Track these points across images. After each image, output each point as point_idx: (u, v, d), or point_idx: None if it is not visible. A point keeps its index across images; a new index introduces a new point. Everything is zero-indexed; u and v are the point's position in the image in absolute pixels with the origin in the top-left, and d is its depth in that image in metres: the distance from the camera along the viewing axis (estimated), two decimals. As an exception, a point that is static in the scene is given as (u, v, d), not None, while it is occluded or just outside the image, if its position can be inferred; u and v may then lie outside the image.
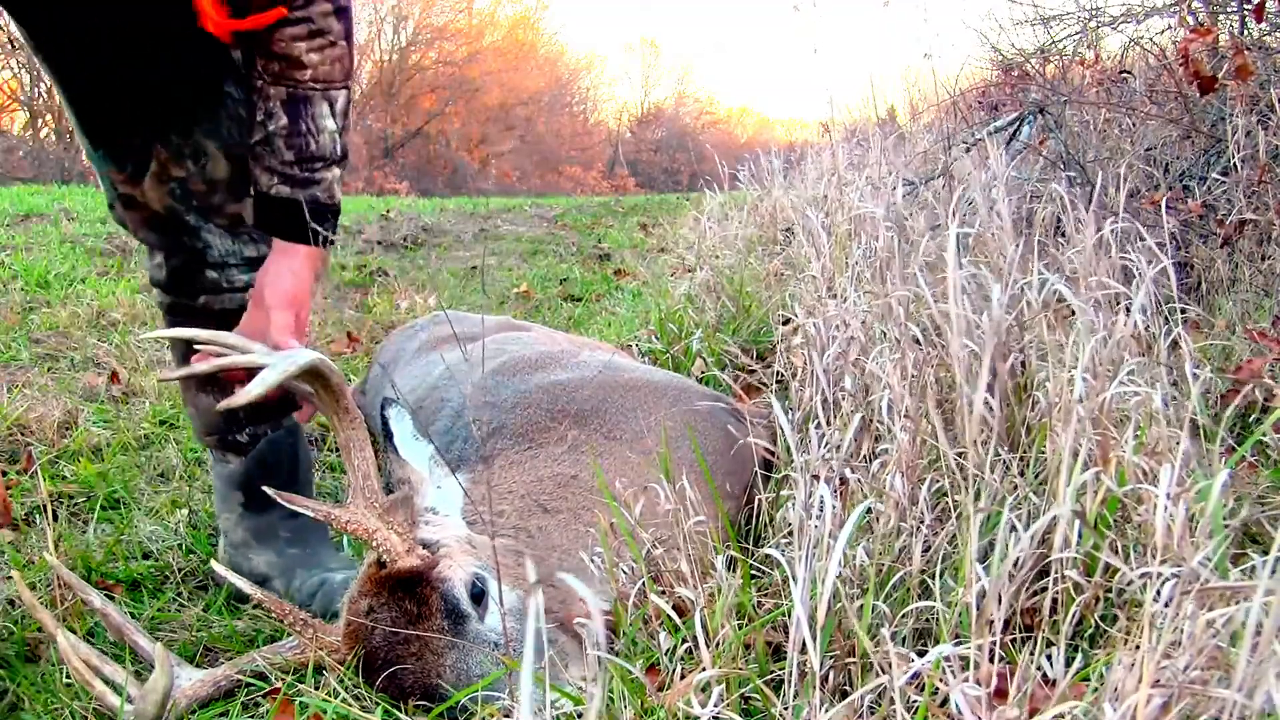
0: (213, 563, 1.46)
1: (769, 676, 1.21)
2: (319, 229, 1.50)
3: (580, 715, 1.18)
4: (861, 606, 1.18)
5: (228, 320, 1.59)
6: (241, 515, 1.76)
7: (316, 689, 1.34)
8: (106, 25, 1.44)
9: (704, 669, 1.14)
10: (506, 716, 1.20)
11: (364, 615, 1.33)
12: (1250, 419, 1.78)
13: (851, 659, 1.17)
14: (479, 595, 1.32)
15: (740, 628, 1.24)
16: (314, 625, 1.37)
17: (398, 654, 1.29)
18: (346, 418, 1.45)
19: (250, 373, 1.35)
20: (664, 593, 1.37)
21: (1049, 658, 1.12)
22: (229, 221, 1.63)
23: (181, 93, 1.55)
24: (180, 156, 1.57)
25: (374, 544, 1.35)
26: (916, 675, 1.07)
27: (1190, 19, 3.07)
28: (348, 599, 1.38)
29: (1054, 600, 1.21)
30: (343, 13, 1.46)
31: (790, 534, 1.41)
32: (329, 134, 1.50)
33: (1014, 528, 1.18)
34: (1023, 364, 1.51)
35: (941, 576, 1.26)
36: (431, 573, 1.33)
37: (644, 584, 1.38)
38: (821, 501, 1.21)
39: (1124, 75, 3.67)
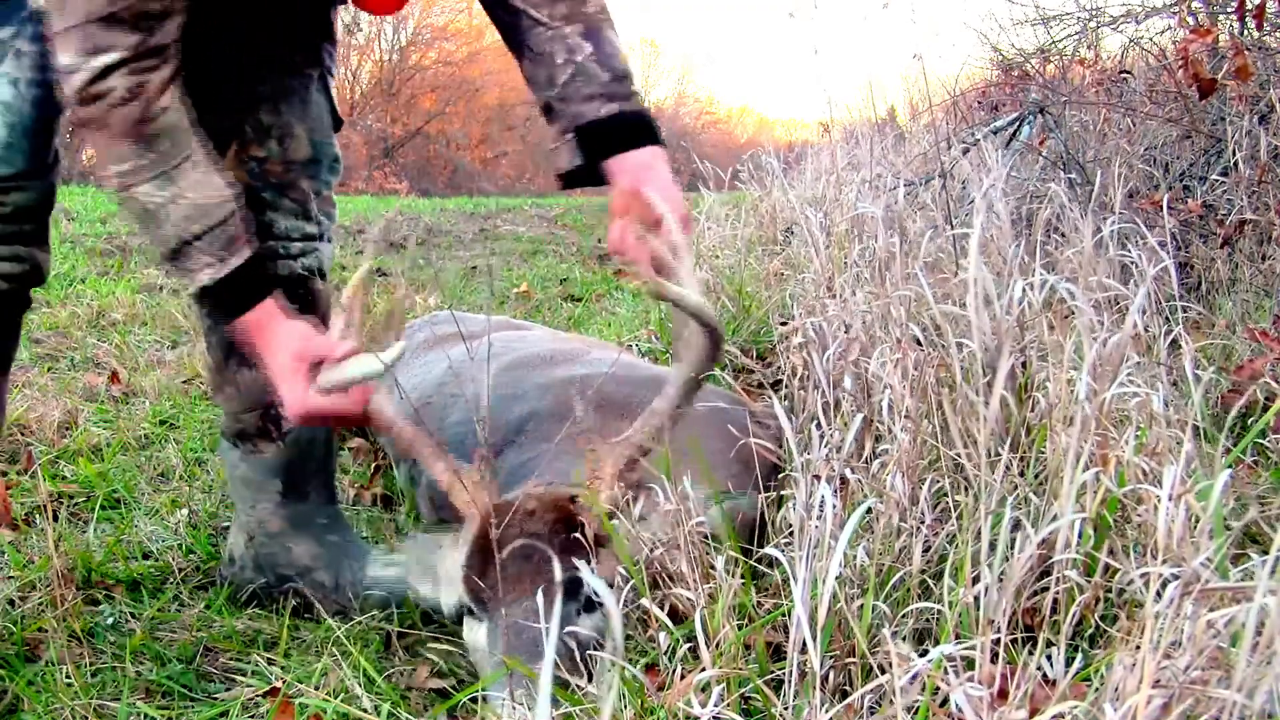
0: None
1: (769, 676, 1.21)
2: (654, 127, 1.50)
3: (580, 713, 1.18)
4: (862, 606, 1.18)
5: (282, 286, 1.59)
6: (280, 503, 1.71)
7: (316, 689, 1.35)
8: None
9: (704, 669, 1.14)
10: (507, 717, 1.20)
11: (524, 515, 1.34)
12: (1250, 419, 1.78)
13: (852, 659, 1.17)
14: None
15: (740, 628, 1.23)
16: (467, 476, 1.39)
17: (518, 568, 1.29)
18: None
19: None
20: (662, 600, 1.36)
21: (1049, 658, 1.12)
22: (299, 198, 1.63)
23: (279, 70, 1.56)
24: (264, 137, 1.57)
25: (598, 485, 1.37)
26: (916, 675, 1.07)
27: (1190, 19, 3.07)
28: (531, 486, 1.41)
29: (1054, 600, 1.22)
30: None
31: (791, 534, 1.41)
32: (622, 58, 1.51)
33: (1018, 526, 1.18)
34: (1023, 364, 1.51)
35: (942, 577, 1.26)
36: (601, 542, 1.35)
37: (644, 584, 1.38)
38: (822, 501, 1.21)
39: (1124, 75, 3.67)
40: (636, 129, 1.49)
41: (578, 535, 1.35)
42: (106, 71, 1.25)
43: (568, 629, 1.26)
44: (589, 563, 1.30)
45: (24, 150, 1.36)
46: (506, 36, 1.55)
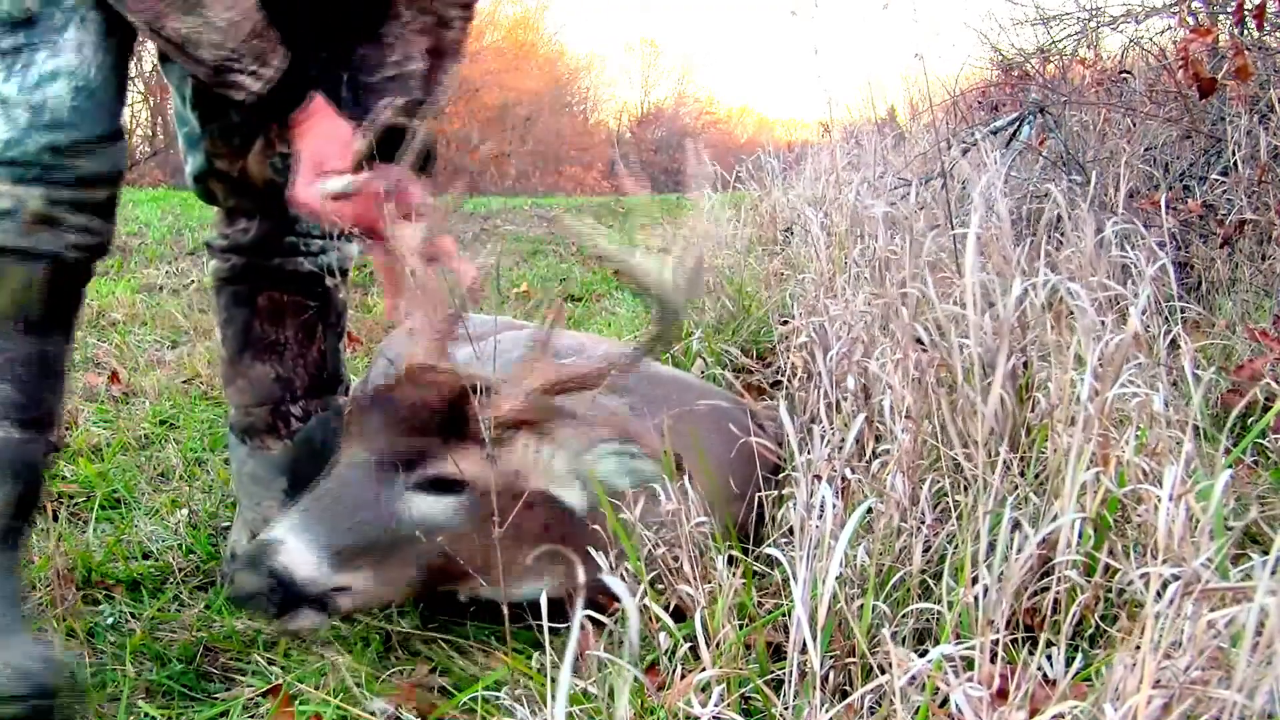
0: None
1: (769, 676, 1.21)
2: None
3: (580, 713, 1.18)
4: (862, 606, 1.18)
5: (296, 282, 1.65)
6: (285, 501, 1.70)
7: (316, 689, 1.34)
8: None
9: (704, 669, 1.14)
10: (508, 717, 1.20)
11: (422, 372, 1.39)
12: (1250, 419, 1.78)
13: (852, 659, 1.17)
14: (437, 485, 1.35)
15: (741, 628, 1.24)
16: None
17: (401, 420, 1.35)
18: None
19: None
20: (662, 593, 1.36)
21: (1049, 658, 1.12)
22: None
23: (312, 65, 1.58)
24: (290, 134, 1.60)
25: (513, 383, 1.42)
26: (916, 675, 1.07)
27: (1190, 19, 3.07)
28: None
29: (1055, 600, 1.22)
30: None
31: (790, 533, 1.41)
32: (446, 91, 1.61)
33: (1017, 525, 1.18)
34: (1024, 364, 1.51)
35: (942, 577, 1.26)
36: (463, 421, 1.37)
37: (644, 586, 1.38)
38: (823, 501, 1.21)
39: (1124, 75, 3.67)
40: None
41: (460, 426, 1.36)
42: None
43: (402, 504, 1.31)
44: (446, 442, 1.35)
45: (91, 115, 1.31)
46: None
